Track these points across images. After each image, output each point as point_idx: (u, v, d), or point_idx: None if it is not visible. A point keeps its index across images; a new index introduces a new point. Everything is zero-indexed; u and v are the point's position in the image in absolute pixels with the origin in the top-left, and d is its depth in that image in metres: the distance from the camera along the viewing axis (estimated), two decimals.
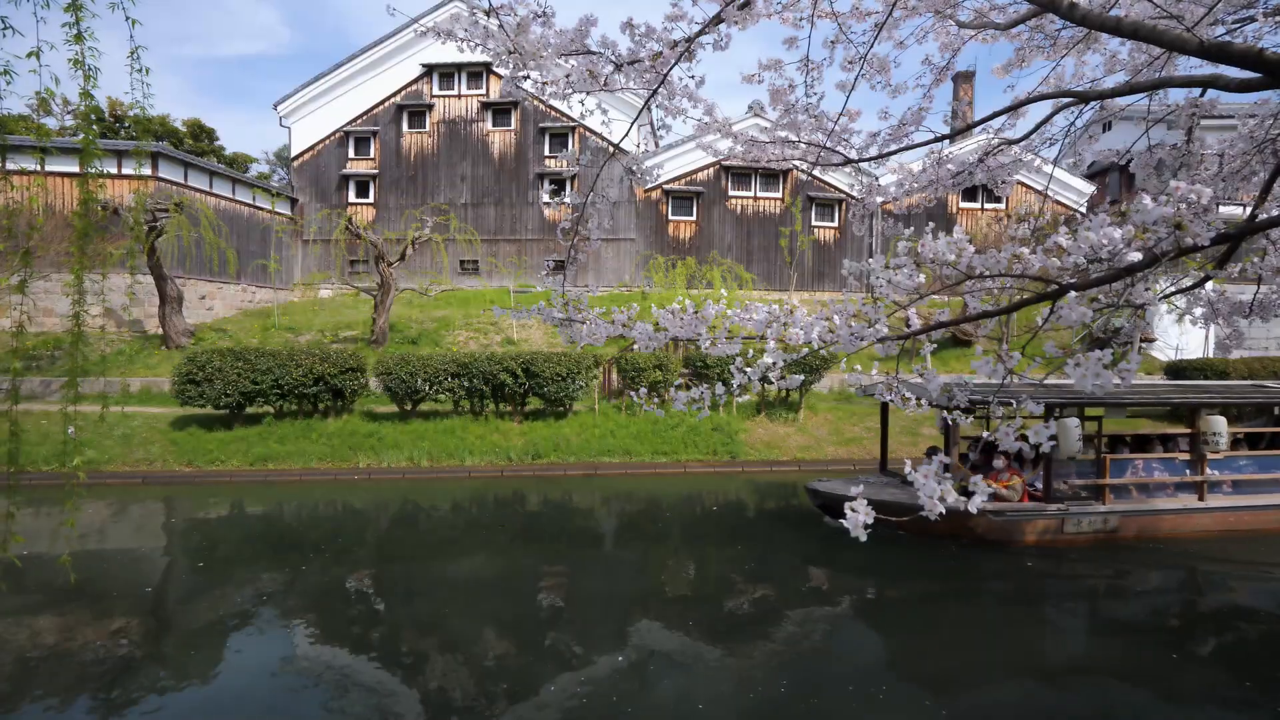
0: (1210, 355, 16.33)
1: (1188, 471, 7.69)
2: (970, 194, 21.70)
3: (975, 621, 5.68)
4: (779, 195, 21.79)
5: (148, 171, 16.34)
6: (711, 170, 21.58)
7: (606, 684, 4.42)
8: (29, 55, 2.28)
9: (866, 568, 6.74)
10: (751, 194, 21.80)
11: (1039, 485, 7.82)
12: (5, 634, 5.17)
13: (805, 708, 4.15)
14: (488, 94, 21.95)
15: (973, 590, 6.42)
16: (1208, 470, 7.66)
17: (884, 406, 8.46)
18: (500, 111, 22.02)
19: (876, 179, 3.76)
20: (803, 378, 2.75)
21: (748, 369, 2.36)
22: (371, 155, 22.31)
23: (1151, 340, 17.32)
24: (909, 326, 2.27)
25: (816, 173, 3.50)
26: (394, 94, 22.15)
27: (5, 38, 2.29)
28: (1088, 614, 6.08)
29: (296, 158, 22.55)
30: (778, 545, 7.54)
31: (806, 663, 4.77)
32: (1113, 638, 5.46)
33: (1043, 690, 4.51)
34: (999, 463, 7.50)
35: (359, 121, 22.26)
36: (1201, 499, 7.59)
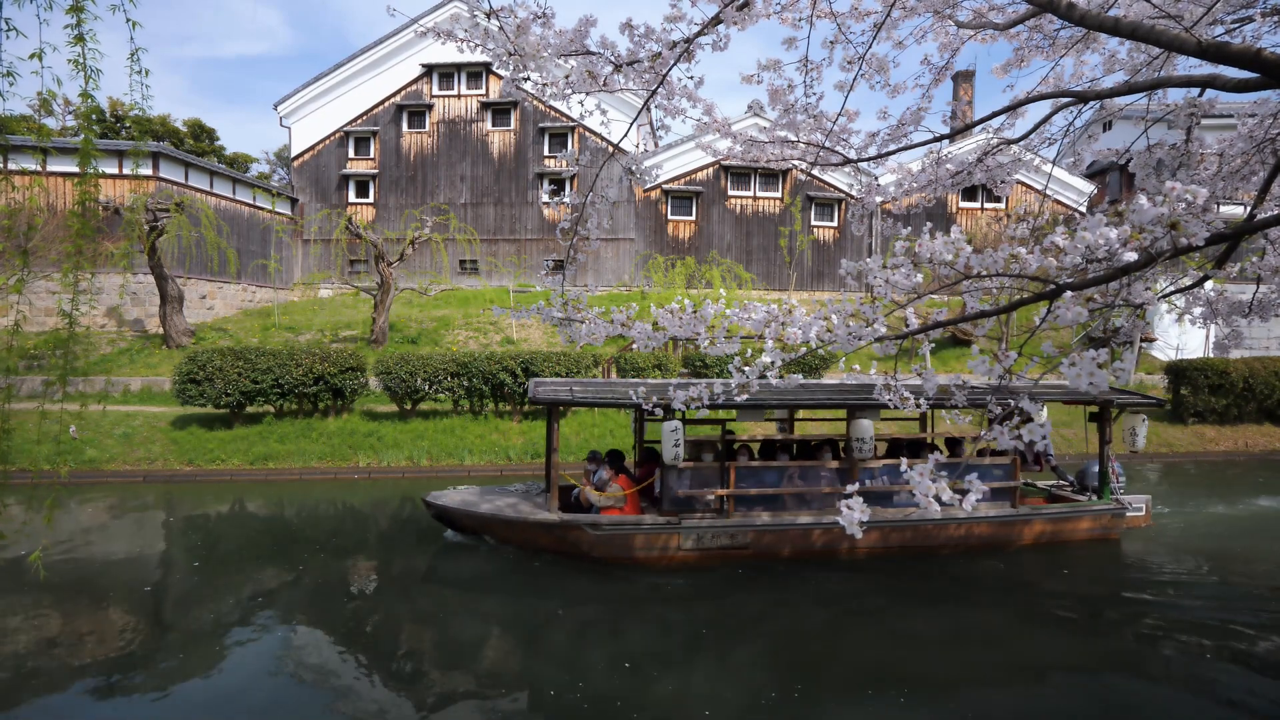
0: (1210, 355, 16.33)
1: (839, 482, 6.82)
2: (970, 194, 21.70)
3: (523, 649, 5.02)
4: (778, 195, 21.79)
5: (148, 171, 16.35)
6: (711, 170, 21.58)
7: (602, 684, 4.42)
8: (31, 56, 2.29)
9: (469, 583, 6.22)
10: (751, 194, 21.80)
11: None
12: (4, 634, 5.19)
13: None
14: (487, 94, 21.95)
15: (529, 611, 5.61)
16: (857, 480, 6.74)
17: (550, 410, 7.19)
18: (500, 111, 22.02)
19: (876, 179, 3.76)
20: (801, 377, 2.75)
21: (746, 368, 2.37)
22: (371, 155, 22.31)
23: (1152, 340, 17.32)
24: (907, 326, 2.27)
25: (816, 172, 3.50)
26: (394, 94, 22.15)
27: (9, 39, 2.30)
28: (608, 640, 5.17)
29: (297, 158, 22.56)
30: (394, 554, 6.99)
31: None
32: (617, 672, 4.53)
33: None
34: (604, 472, 6.74)
35: (359, 121, 22.26)
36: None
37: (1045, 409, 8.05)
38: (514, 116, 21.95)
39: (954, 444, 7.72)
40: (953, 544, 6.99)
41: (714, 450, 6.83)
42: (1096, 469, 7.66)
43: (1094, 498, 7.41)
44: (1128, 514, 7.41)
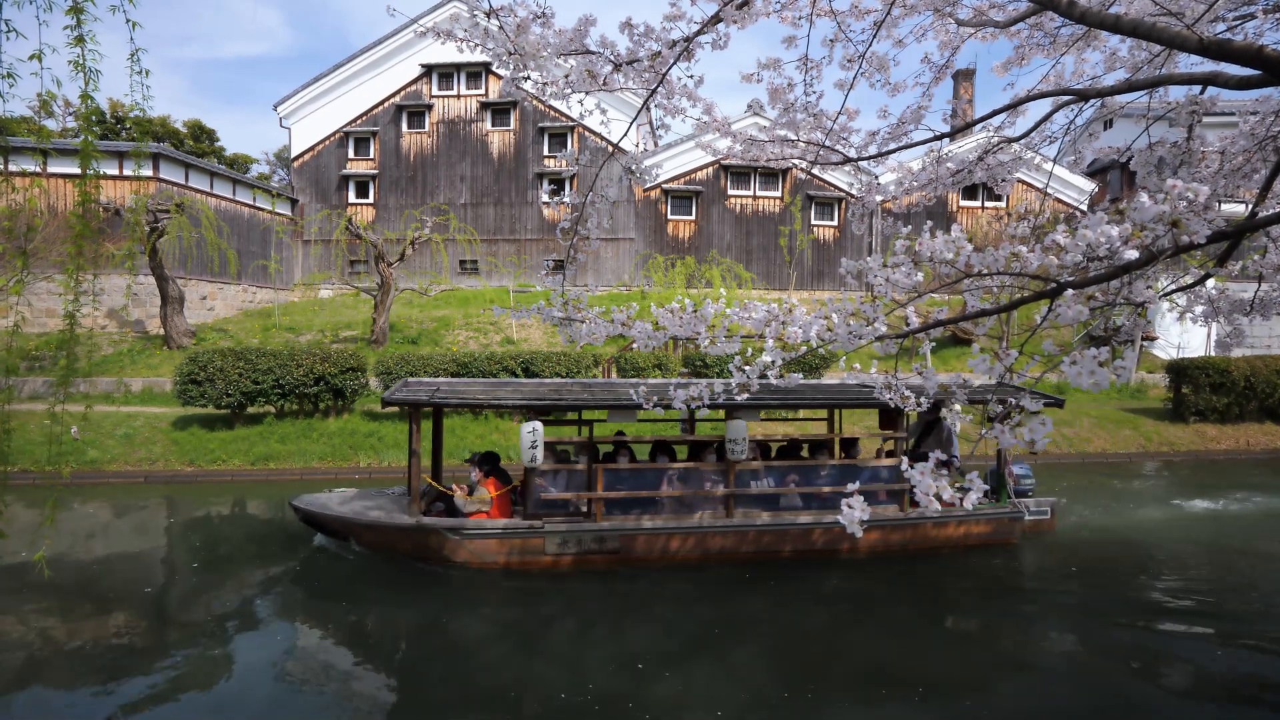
0: (1211, 353, 16.31)
1: (723, 485, 6.59)
2: (970, 192, 21.67)
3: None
4: (778, 194, 21.78)
5: (149, 172, 16.36)
6: (711, 169, 21.57)
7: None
8: (31, 58, 2.29)
9: (325, 590, 6.07)
10: (751, 193, 21.78)
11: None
12: (4, 634, 5.19)
13: None
14: (487, 94, 21.95)
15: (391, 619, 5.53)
16: (734, 483, 6.51)
17: (437, 410, 7.26)
18: (499, 111, 22.02)
19: (876, 178, 3.76)
20: (801, 376, 2.75)
21: (746, 367, 2.37)
22: (371, 155, 22.32)
23: (1153, 339, 17.30)
24: (908, 325, 2.27)
25: (816, 171, 3.50)
26: (393, 94, 22.15)
27: (8, 40, 2.30)
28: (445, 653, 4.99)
29: (297, 158, 22.57)
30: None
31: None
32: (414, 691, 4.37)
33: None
34: (474, 475, 6.60)
35: (359, 122, 22.27)
36: (729, 515, 6.52)
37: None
38: (514, 116, 21.95)
39: (849, 445, 7.45)
40: (838, 549, 6.73)
41: (587, 452, 6.54)
42: (1016, 471, 7.46)
43: (993, 500, 7.18)
44: (1026, 518, 7.17)
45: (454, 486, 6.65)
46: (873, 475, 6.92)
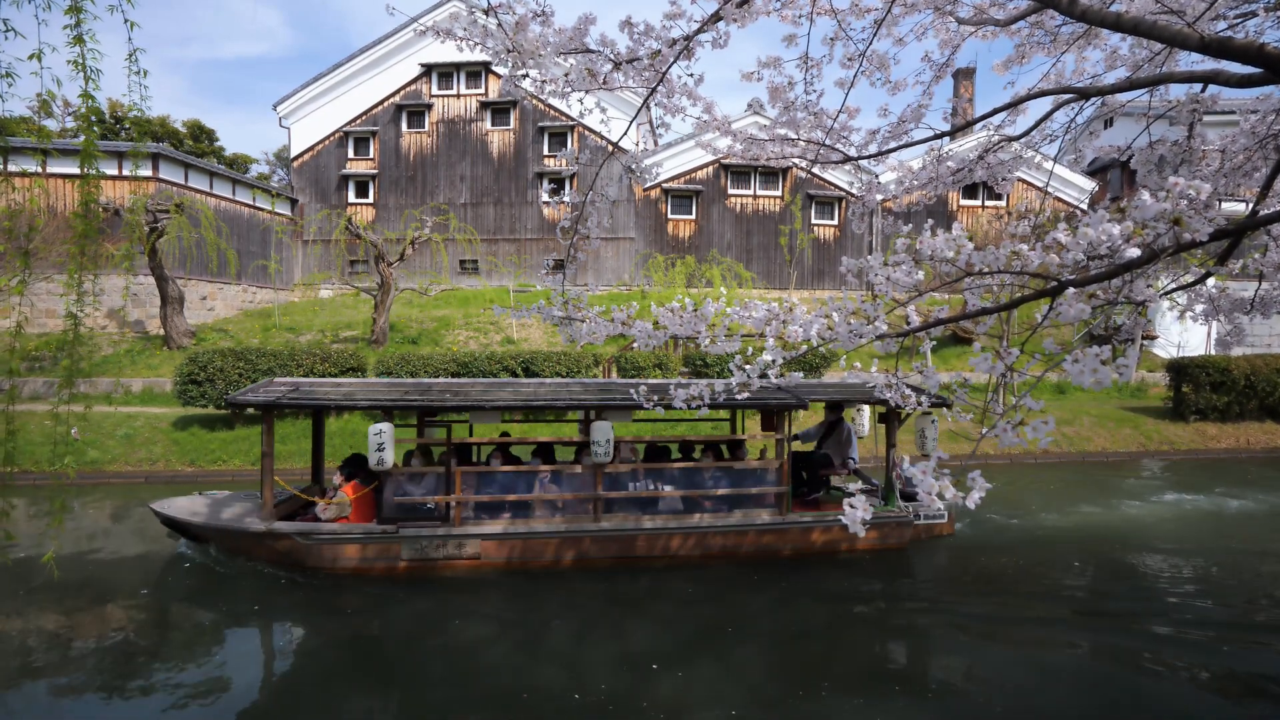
0: (1212, 352, 16.30)
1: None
2: (970, 191, 21.67)
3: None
4: (778, 193, 21.77)
5: (148, 173, 16.35)
6: (711, 169, 21.56)
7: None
8: (30, 57, 2.29)
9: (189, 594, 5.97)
10: (751, 192, 21.78)
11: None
12: (10, 634, 5.19)
13: None
14: (486, 93, 21.93)
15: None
16: (600, 486, 6.32)
17: (317, 413, 7.17)
18: (499, 111, 22.01)
19: (876, 176, 3.76)
20: (802, 375, 2.75)
21: (747, 366, 2.37)
22: (371, 155, 22.31)
23: (1153, 337, 17.29)
24: (908, 324, 2.27)
25: (816, 170, 3.50)
26: (393, 94, 22.14)
27: (7, 40, 2.29)
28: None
29: (296, 158, 22.56)
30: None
31: None
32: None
33: None
34: (336, 478, 6.44)
35: (358, 121, 22.26)
36: (596, 520, 6.32)
37: (868, 411, 7.66)
38: (513, 116, 21.93)
39: (735, 446, 7.22)
40: (715, 554, 6.50)
41: (452, 455, 6.33)
42: (913, 472, 7.28)
43: (881, 503, 6.96)
44: (917, 521, 6.86)
45: (333, 491, 6.42)
46: (755, 478, 6.68)
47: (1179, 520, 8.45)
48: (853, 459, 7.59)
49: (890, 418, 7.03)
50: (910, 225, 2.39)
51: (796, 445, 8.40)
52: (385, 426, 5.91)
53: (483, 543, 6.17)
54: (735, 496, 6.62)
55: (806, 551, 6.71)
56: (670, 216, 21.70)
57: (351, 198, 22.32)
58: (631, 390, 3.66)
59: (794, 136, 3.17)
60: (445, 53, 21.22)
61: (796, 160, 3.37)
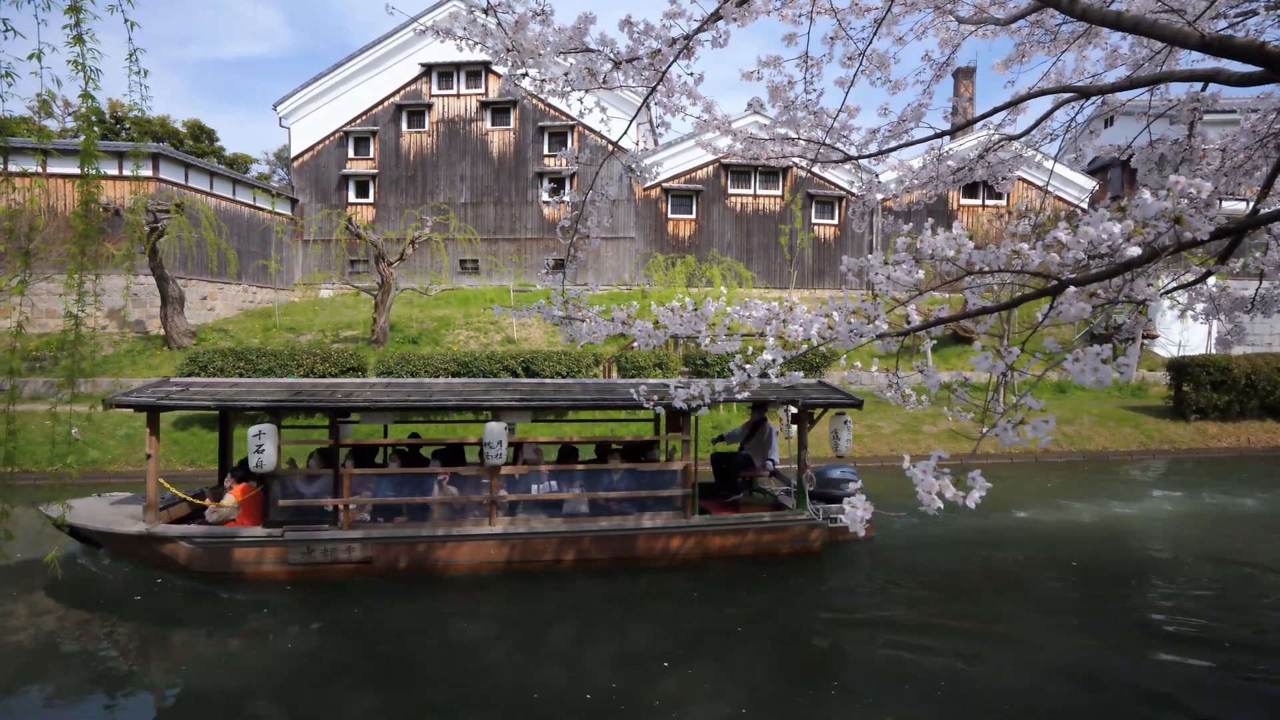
0: (1212, 351, 16.30)
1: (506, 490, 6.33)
2: (971, 190, 21.65)
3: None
4: (779, 193, 21.76)
5: (148, 172, 16.36)
6: (711, 168, 21.55)
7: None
8: (30, 57, 2.29)
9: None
10: (751, 192, 21.76)
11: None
12: (8, 634, 5.19)
13: None
14: (486, 93, 21.93)
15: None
16: (497, 489, 6.21)
17: (223, 416, 7.02)
18: (499, 110, 22.00)
19: (876, 176, 3.76)
20: (802, 375, 2.75)
21: (747, 366, 2.37)
22: (371, 155, 22.30)
23: (1154, 336, 17.29)
24: (909, 323, 2.27)
25: (816, 170, 3.50)
26: (393, 94, 22.14)
27: (6, 40, 2.29)
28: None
29: (296, 158, 22.56)
30: None
31: None
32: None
33: None
34: (228, 480, 6.30)
35: (358, 121, 22.26)
36: (492, 522, 6.20)
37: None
38: (513, 115, 21.93)
39: (647, 448, 7.07)
40: (618, 557, 6.35)
41: (350, 457, 6.25)
42: (837, 473, 7.13)
43: (794, 504, 6.84)
44: (827, 524, 6.72)
45: (227, 494, 6.31)
46: (659, 480, 6.54)
47: (1146, 519, 8.44)
48: (772, 460, 7.44)
49: (801, 419, 6.92)
50: (910, 224, 2.39)
51: (722, 446, 8.35)
52: (267, 428, 5.74)
53: (374, 546, 6.01)
54: (642, 499, 6.48)
55: (712, 556, 6.54)
56: (670, 216, 21.69)
57: (352, 197, 22.31)
58: (632, 390, 3.66)
59: (794, 136, 3.17)
60: (445, 52, 21.21)
61: (797, 159, 3.37)
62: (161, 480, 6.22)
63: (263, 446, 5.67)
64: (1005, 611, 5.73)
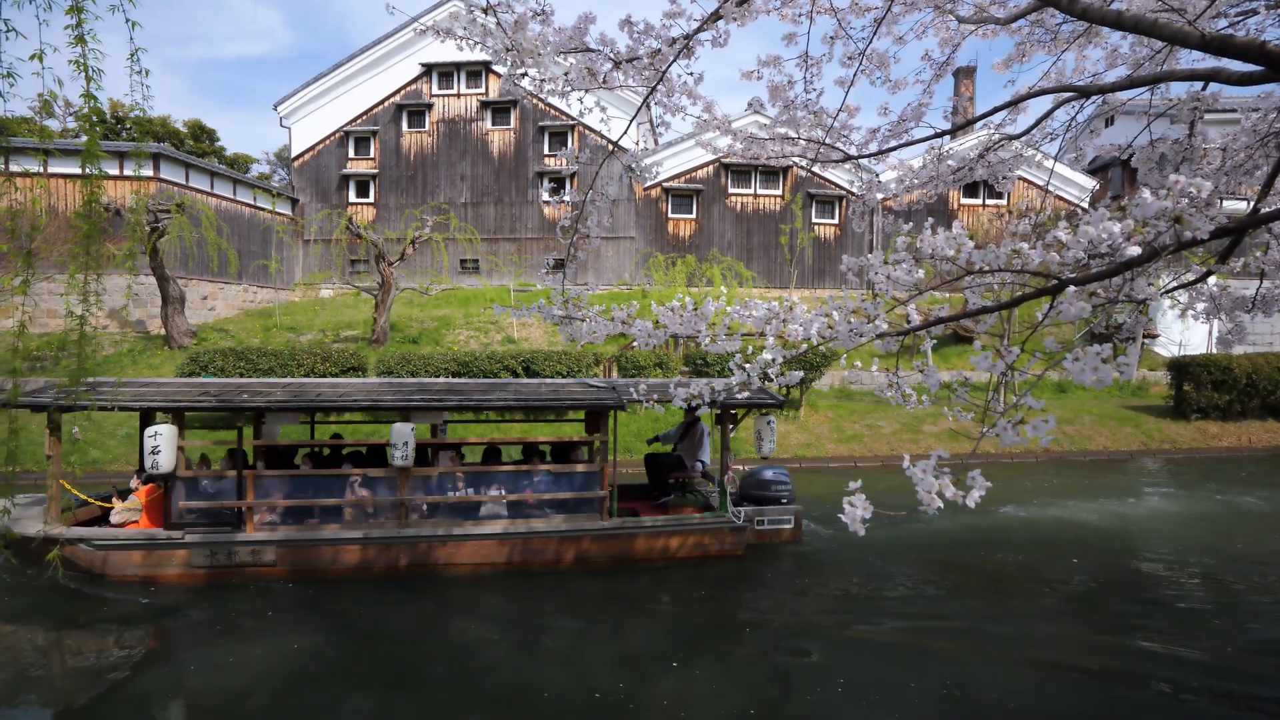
0: (1213, 350, 16.29)
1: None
2: (971, 190, 21.65)
3: None
4: (779, 192, 21.75)
5: (149, 172, 16.37)
6: (711, 168, 21.54)
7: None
8: (32, 58, 2.29)
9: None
10: (751, 191, 21.76)
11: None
12: (8, 634, 5.20)
13: None
14: (487, 93, 21.93)
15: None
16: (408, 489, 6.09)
17: (143, 416, 6.71)
18: (499, 110, 22.01)
19: (877, 175, 3.76)
20: (802, 374, 2.75)
21: (747, 365, 2.37)
22: (371, 155, 22.31)
23: (1154, 336, 17.28)
24: (909, 323, 2.27)
25: (816, 169, 3.50)
26: (393, 93, 22.14)
27: (8, 40, 2.30)
28: None
29: (297, 158, 22.57)
30: None
31: None
32: None
33: None
34: (134, 481, 6.19)
35: (359, 121, 22.26)
36: (402, 524, 6.08)
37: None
38: (514, 115, 21.93)
39: (569, 449, 6.97)
40: (533, 561, 6.22)
41: (261, 458, 6.17)
42: (770, 474, 6.98)
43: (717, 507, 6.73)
44: (759, 527, 6.58)
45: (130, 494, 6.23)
46: (575, 482, 6.42)
47: (1140, 520, 8.38)
48: (702, 461, 7.36)
49: (724, 420, 6.83)
50: (911, 224, 2.39)
51: (657, 447, 8.29)
52: (164, 429, 5.64)
53: (279, 549, 5.90)
54: (562, 502, 6.40)
55: (636, 560, 6.42)
56: (670, 216, 21.69)
57: (352, 197, 22.32)
58: (632, 389, 3.66)
59: (794, 135, 3.17)
60: (445, 52, 21.21)
61: (797, 159, 3.37)
62: (63, 482, 6.10)
63: (158, 448, 5.54)
64: (943, 611, 5.59)
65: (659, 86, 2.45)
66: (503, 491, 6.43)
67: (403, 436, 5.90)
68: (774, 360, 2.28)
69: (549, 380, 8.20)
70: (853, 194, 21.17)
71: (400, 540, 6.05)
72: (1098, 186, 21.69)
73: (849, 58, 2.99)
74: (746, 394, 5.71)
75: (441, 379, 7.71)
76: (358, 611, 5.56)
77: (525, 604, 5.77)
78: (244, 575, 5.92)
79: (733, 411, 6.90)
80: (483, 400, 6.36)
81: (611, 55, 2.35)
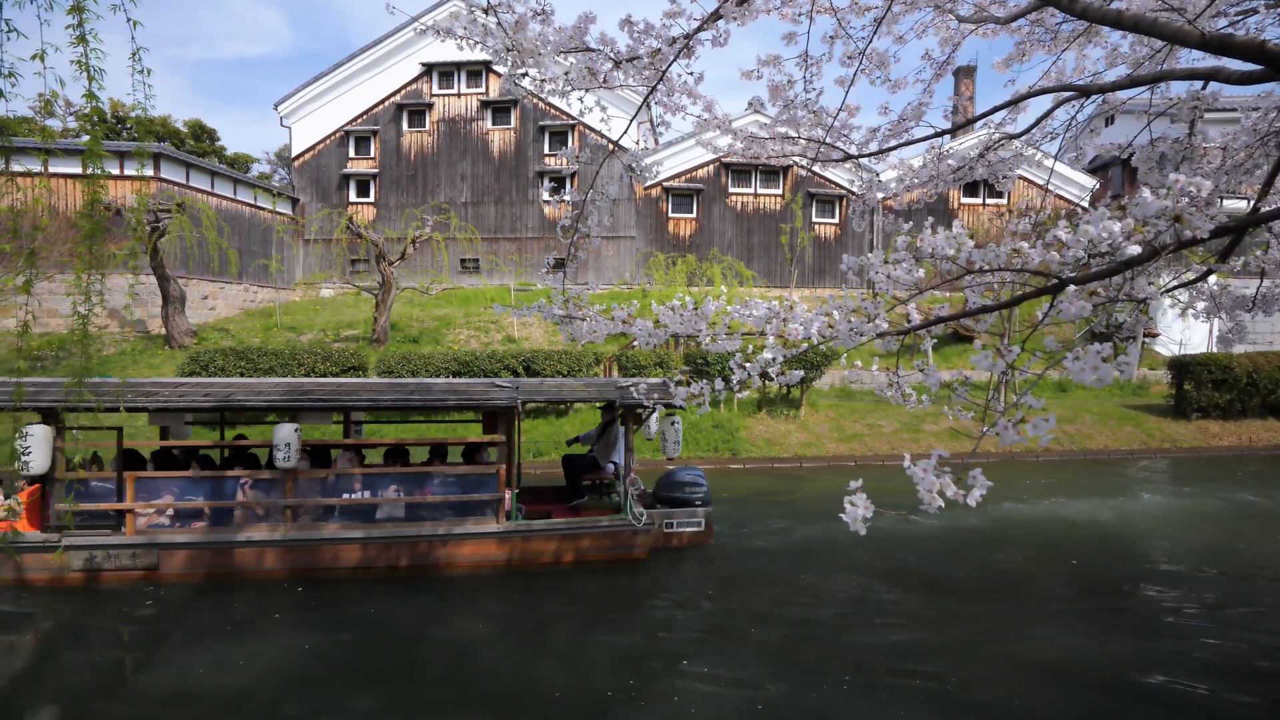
0: (1213, 350, 16.29)
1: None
2: (971, 189, 21.64)
3: None
4: (779, 192, 21.75)
5: (150, 172, 16.38)
6: (711, 167, 21.54)
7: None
8: (33, 58, 2.30)
9: None
10: (751, 191, 21.76)
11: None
12: (8, 634, 5.21)
13: None
14: (487, 93, 21.93)
15: None
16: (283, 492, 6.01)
17: (45, 414, 6.49)
18: (500, 110, 22.00)
19: (877, 175, 3.76)
20: (802, 373, 2.76)
21: (747, 364, 2.37)
22: (372, 154, 22.32)
23: (1155, 335, 17.27)
24: (909, 322, 2.27)
25: (817, 169, 3.50)
26: (394, 93, 22.14)
27: (10, 40, 2.30)
28: None
29: (297, 157, 22.57)
30: None
31: None
32: None
33: None
34: (20, 481, 5.96)
35: (359, 121, 22.27)
36: (289, 526, 6.04)
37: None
38: (514, 115, 21.93)
39: (475, 450, 6.84)
40: (428, 565, 6.13)
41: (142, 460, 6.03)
42: (686, 476, 6.87)
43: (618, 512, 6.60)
44: (668, 529, 6.47)
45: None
46: (473, 484, 6.34)
47: (1136, 519, 8.33)
48: (616, 462, 7.22)
49: (627, 420, 6.70)
50: (911, 223, 2.40)
51: (577, 447, 8.22)
52: (37, 429, 5.49)
53: (160, 552, 5.80)
54: (460, 504, 6.30)
55: (535, 562, 6.32)
56: (671, 215, 21.69)
57: (352, 197, 22.33)
58: (631, 389, 3.66)
59: (794, 135, 3.17)
60: (446, 52, 21.21)
61: (797, 158, 3.37)
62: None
63: (29, 449, 5.39)
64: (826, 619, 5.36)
65: (659, 86, 2.45)
66: (400, 494, 6.34)
67: (285, 438, 5.80)
68: (774, 359, 2.28)
69: (457, 380, 8.01)
70: (853, 193, 21.16)
71: (287, 544, 5.95)
72: (1098, 186, 21.68)
73: (849, 57, 2.99)
74: (656, 396, 5.45)
75: (384, 379, 7.62)
76: (246, 612, 5.38)
77: (408, 608, 5.57)
78: (124, 579, 5.76)
79: (637, 412, 6.71)
80: (375, 400, 6.24)
81: (611, 55, 2.35)
